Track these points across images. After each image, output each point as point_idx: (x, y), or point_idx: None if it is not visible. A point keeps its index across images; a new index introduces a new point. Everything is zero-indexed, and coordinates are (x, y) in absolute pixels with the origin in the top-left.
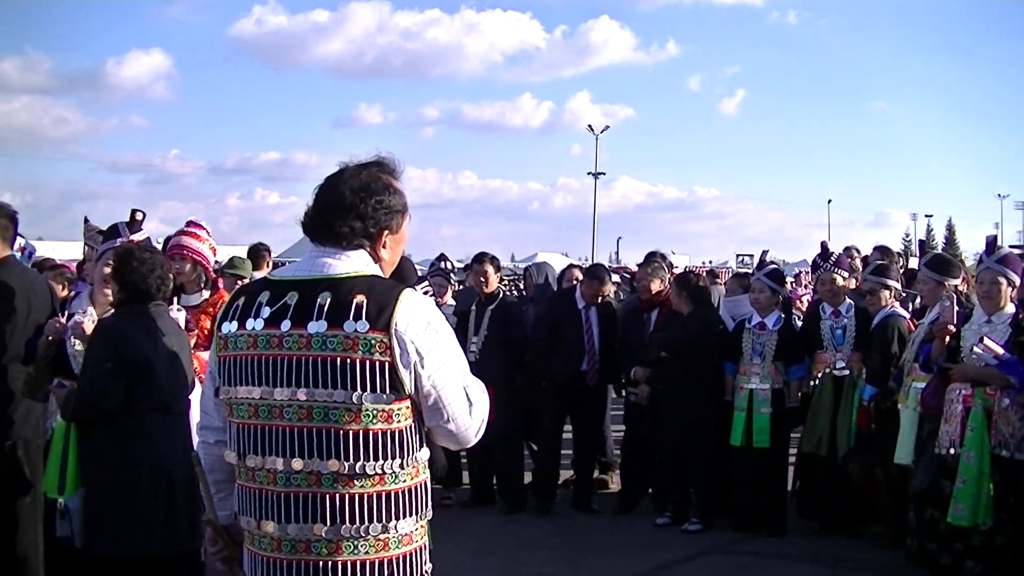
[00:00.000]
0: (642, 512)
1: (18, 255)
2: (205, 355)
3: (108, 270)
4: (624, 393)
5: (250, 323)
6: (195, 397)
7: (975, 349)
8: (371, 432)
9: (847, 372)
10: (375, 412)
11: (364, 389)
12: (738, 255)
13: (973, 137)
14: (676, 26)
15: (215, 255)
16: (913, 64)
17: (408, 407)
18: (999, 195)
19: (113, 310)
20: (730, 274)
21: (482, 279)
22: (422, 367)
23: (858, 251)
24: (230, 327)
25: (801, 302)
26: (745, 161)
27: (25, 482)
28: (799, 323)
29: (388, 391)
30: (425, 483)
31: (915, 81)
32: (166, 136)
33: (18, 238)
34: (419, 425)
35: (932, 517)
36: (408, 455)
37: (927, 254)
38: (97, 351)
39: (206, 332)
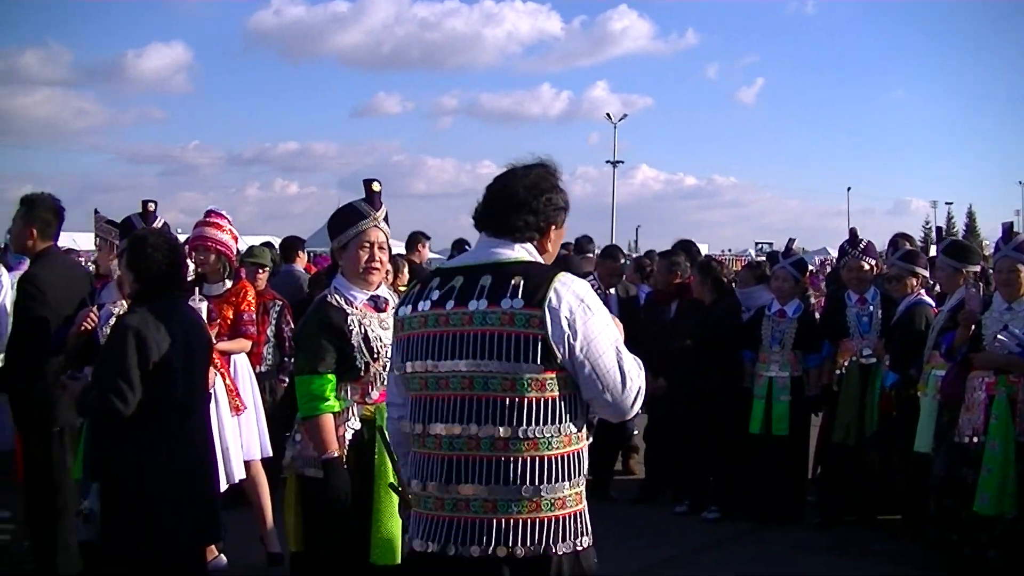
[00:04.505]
0: (662, 501)
1: None
2: (227, 345)
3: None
4: None
5: (421, 305)
6: (220, 389)
7: (999, 336)
8: (525, 400)
9: (873, 360)
10: (528, 381)
11: (519, 360)
12: (757, 243)
13: (993, 125)
14: (695, 15)
15: (237, 243)
16: (931, 53)
17: (560, 378)
18: (1020, 182)
19: (130, 303)
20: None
21: None
22: (574, 340)
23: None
24: (405, 311)
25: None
26: (763, 150)
27: (67, 467)
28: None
29: (540, 362)
30: (578, 452)
31: (933, 70)
32: (185, 127)
33: None
34: (573, 397)
35: (952, 507)
36: (561, 423)
37: (944, 240)
38: (117, 353)
39: (228, 322)
